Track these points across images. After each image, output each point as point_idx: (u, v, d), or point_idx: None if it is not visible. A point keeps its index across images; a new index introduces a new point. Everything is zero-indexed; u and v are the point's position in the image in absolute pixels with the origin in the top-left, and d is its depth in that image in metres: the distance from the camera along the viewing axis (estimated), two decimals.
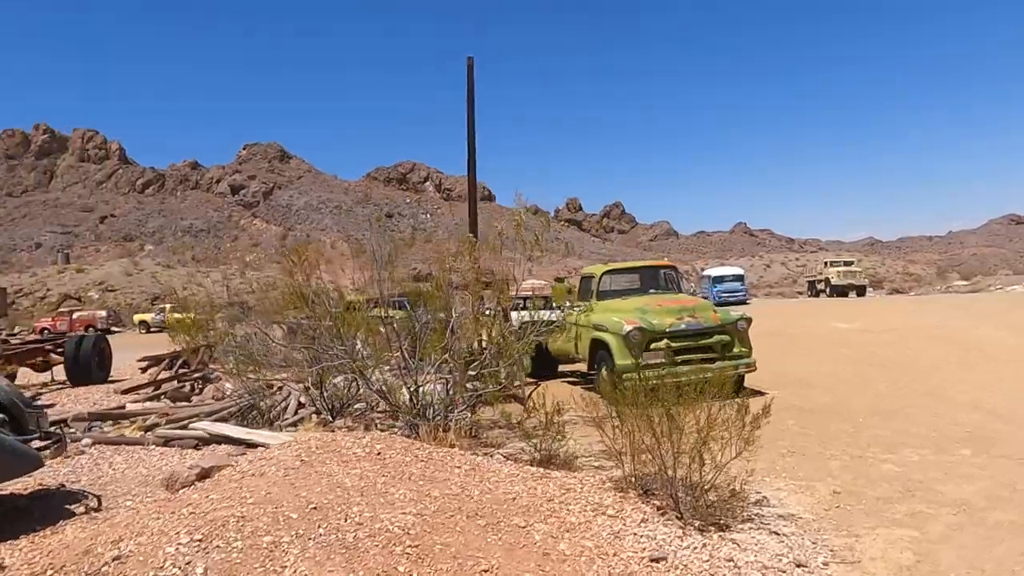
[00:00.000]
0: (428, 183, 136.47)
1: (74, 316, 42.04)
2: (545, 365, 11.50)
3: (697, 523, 3.96)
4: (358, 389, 7.76)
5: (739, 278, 40.15)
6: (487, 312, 10.55)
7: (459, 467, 4.22)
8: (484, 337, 7.47)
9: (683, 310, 8.66)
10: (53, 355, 12.13)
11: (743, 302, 38.45)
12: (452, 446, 5.83)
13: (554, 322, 10.79)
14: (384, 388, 6.54)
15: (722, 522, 4.03)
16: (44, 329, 40.52)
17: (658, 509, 4.14)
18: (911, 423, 6.60)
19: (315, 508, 2.89)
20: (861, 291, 38.86)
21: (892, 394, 8.26)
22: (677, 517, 4.03)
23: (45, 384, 12.34)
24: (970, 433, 6.06)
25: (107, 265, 77.24)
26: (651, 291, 9.99)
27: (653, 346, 8.39)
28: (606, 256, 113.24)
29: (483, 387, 7.66)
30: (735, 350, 8.66)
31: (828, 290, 40.18)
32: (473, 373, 6.87)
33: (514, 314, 15.16)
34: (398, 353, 7.37)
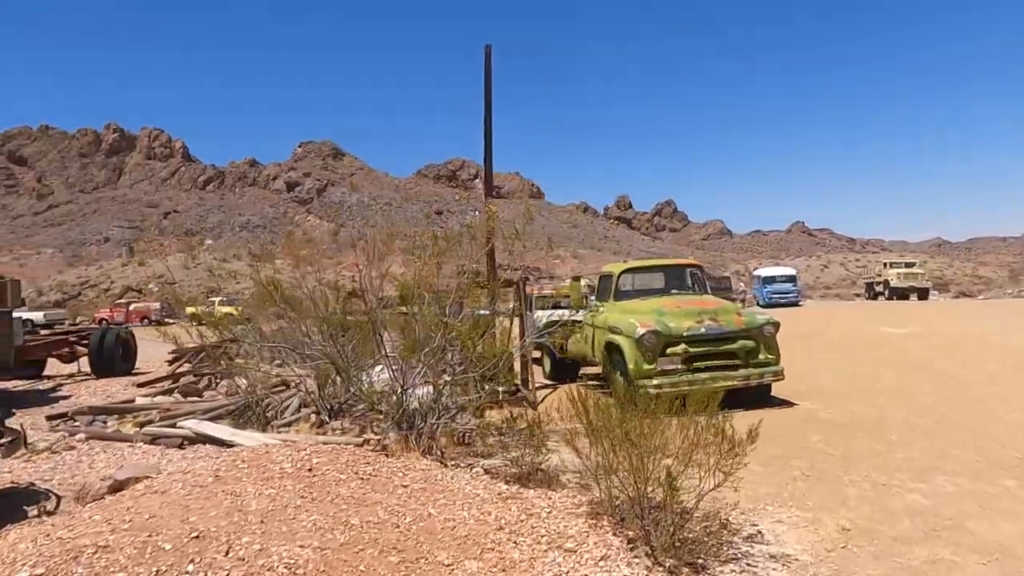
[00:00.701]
0: (477, 180, 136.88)
1: (130, 307, 43.65)
2: (566, 368, 10.99)
3: (669, 562, 3.42)
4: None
5: (791, 279, 38.55)
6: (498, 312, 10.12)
7: (407, 486, 3.79)
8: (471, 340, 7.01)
9: (703, 312, 8.02)
10: (78, 347, 12.28)
11: (795, 304, 36.97)
12: (428, 455, 5.42)
13: (567, 322, 10.30)
14: (363, 390, 6.16)
15: (699, 561, 3.48)
16: (103, 319, 42.24)
17: (629, 542, 3.62)
18: (951, 443, 5.84)
19: (197, 537, 2.52)
20: (923, 294, 36.74)
21: (935, 409, 7.44)
22: (647, 553, 3.50)
23: (71, 375, 12.53)
24: (1020, 459, 5.28)
25: (167, 259, 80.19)
26: (673, 291, 9.35)
27: (669, 351, 7.79)
28: (656, 255, 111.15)
29: (477, 393, 7.23)
30: (760, 357, 7.98)
31: (887, 292, 38.14)
32: (450, 378, 6.40)
33: (540, 313, 14.70)
34: (389, 354, 7.02)
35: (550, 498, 4.35)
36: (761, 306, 38.37)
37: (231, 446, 6.27)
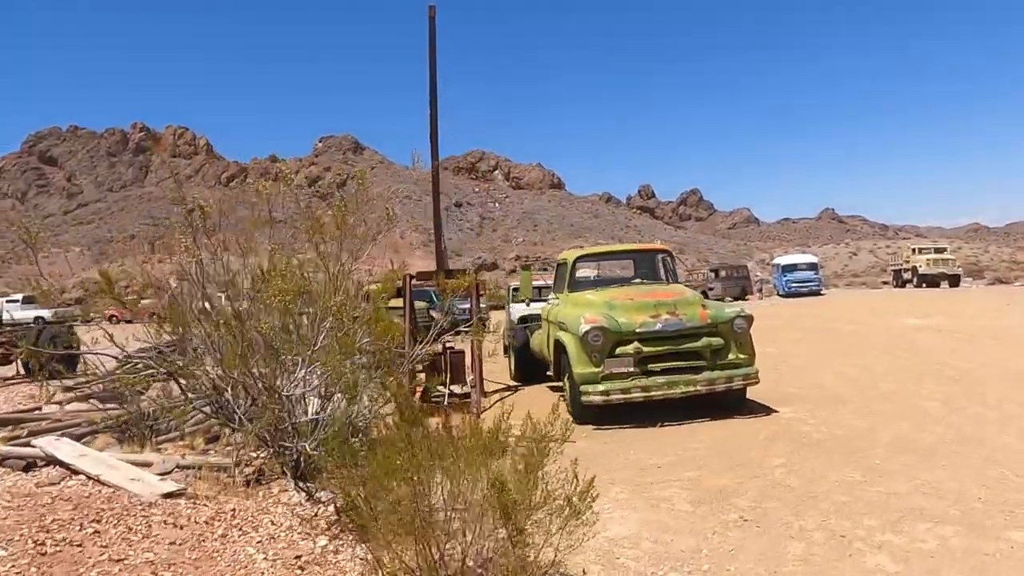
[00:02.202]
0: (497, 172, 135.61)
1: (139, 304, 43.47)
2: (533, 368, 9.83)
3: None
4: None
5: (812, 266, 36.78)
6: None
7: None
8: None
9: (660, 305, 6.79)
10: (14, 348, 11.47)
11: (816, 292, 35.24)
12: (302, 481, 4.36)
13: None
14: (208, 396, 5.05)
15: None
16: (112, 316, 42.25)
17: None
18: (949, 471, 4.57)
19: None
20: (954, 281, 34.64)
21: (940, 419, 6.13)
22: None
23: (6, 379, 11.74)
24: None
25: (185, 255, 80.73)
26: (636, 281, 8.12)
27: (619, 351, 6.60)
28: (677, 245, 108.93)
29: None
30: (730, 357, 6.74)
31: (915, 280, 36.10)
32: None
33: (516, 307, 13.54)
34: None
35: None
36: (781, 295, 36.70)
37: (78, 472, 5.29)
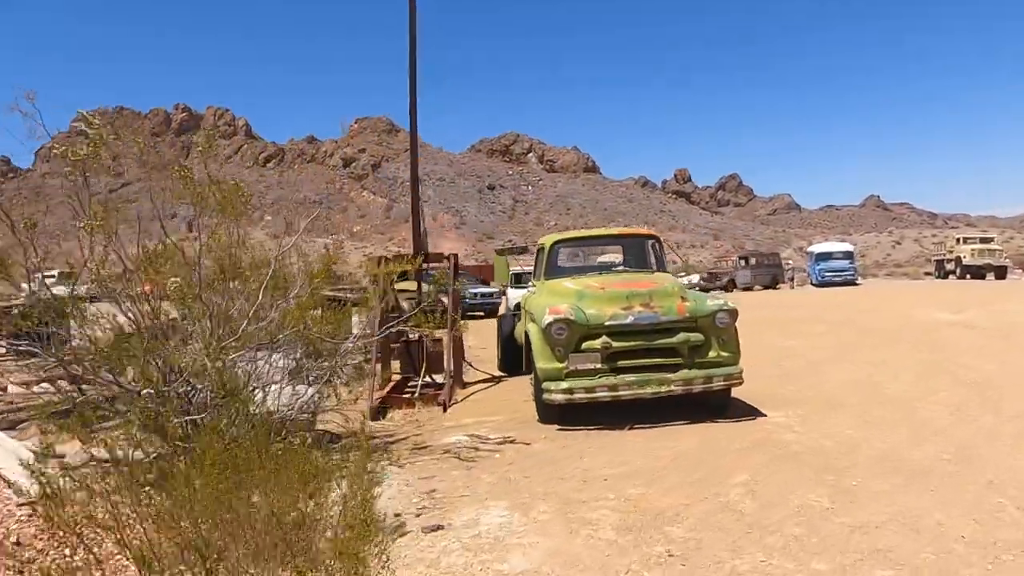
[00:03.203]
0: (531, 154, 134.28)
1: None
2: (519, 358, 9.28)
3: None
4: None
5: (848, 255, 35.34)
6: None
7: None
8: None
9: (634, 296, 6.16)
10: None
11: (851, 283, 33.87)
12: None
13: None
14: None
15: None
16: (146, 291, 43.08)
17: None
18: (939, 499, 3.89)
19: None
20: (1000, 272, 32.77)
21: (944, 432, 5.41)
22: None
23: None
24: None
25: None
26: (618, 268, 7.49)
27: (585, 345, 6.01)
28: (712, 231, 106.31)
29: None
30: (710, 354, 6.09)
31: (959, 271, 34.31)
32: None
33: (515, 293, 12.98)
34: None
35: None
36: (814, 285, 35.38)
37: None
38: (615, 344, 5.97)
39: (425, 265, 9.32)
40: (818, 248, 36.96)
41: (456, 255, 9.14)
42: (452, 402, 7.87)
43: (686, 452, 5.12)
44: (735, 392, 7.39)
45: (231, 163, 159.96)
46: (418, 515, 3.91)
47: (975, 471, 4.40)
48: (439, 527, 3.63)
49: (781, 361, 9.75)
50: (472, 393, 8.44)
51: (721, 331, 6.13)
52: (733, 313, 6.15)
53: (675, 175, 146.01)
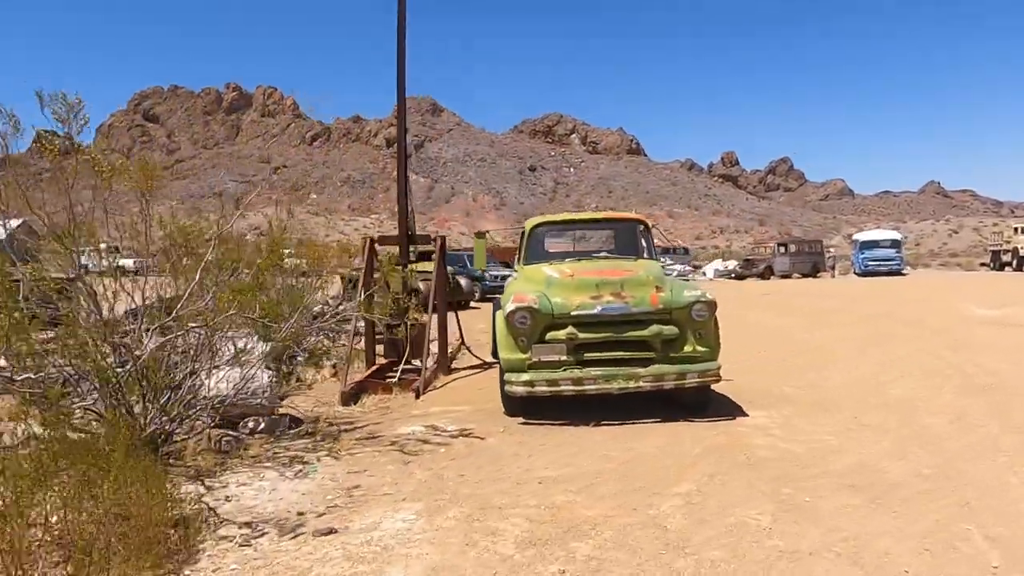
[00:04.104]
0: (574, 135, 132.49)
1: None
2: None
3: None
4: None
5: (895, 244, 33.81)
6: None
7: None
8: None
9: (604, 284, 5.78)
10: None
11: (897, 272, 32.44)
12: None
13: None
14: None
15: None
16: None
17: None
18: (898, 523, 3.45)
19: None
20: None
21: (931, 445, 4.90)
22: None
23: None
24: None
25: (268, 210, 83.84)
26: (603, 255, 7.08)
27: (550, 336, 5.66)
28: (758, 216, 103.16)
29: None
30: (686, 349, 5.68)
31: (1015, 262, 32.45)
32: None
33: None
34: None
35: None
36: (857, 274, 34.00)
37: None
38: (582, 335, 5.61)
39: (413, 247, 9.07)
40: (863, 236, 35.44)
41: (444, 238, 8.85)
42: (431, 388, 7.63)
43: (642, 455, 4.76)
44: (724, 388, 7.00)
45: (279, 141, 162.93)
46: (322, 515, 3.67)
47: (952, 490, 3.93)
48: (332, 531, 3.38)
49: (788, 354, 9.23)
50: (454, 380, 8.19)
51: (698, 324, 5.70)
52: (711, 305, 5.71)
53: (722, 158, 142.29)
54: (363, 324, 8.73)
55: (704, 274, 39.09)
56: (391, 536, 3.33)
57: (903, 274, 32.56)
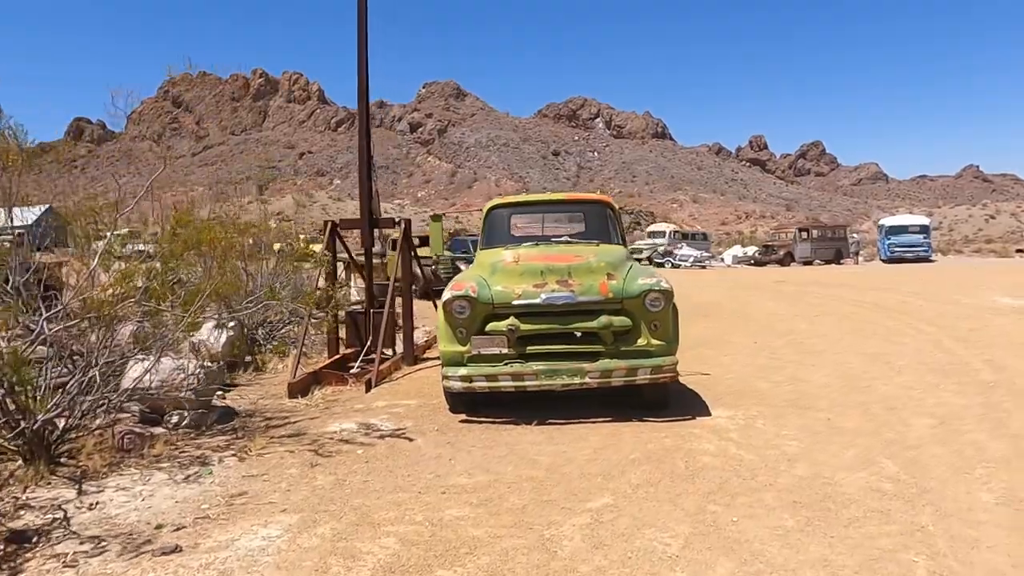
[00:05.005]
0: (598, 119, 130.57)
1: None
2: None
3: None
4: None
5: (924, 229, 32.55)
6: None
7: None
8: None
9: (549, 271, 5.29)
10: None
11: (924, 259, 31.24)
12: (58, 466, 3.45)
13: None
14: None
15: None
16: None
17: None
18: (830, 551, 2.95)
19: None
20: None
21: (902, 456, 4.35)
22: None
23: None
24: None
25: (286, 198, 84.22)
26: (563, 239, 6.57)
27: (490, 327, 5.20)
28: (786, 201, 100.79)
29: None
30: (639, 342, 5.17)
31: None
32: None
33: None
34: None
35: None
36: (883, 261, 32.84)
37: None
38: (524, 326, 5.13)
39: (378, 232, 8.68)
40: (889, 221, 34.16)
41: (409, 221, 8.40)
42: (387, 380, 7.24)
43: (572, 460, 4.29)
44: (696, 383, 6.50)
45: (304, 127, 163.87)
46: (181, 528, 3.29)
47: (910, 510, 3.40)
48: (176, 549, 2.99)
49: (780, 345, 8.63)
50: (418, 371, 7.77)
51: (653, 315, 5.18)
52: (667, 294, 5.18)
53: (750, 142, 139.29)
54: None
55: (722, 260, 38.12)
56: (239, 558, 2.93)
57: (931, 261, 31.34)
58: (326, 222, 8.24)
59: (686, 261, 32.90)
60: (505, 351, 5.17)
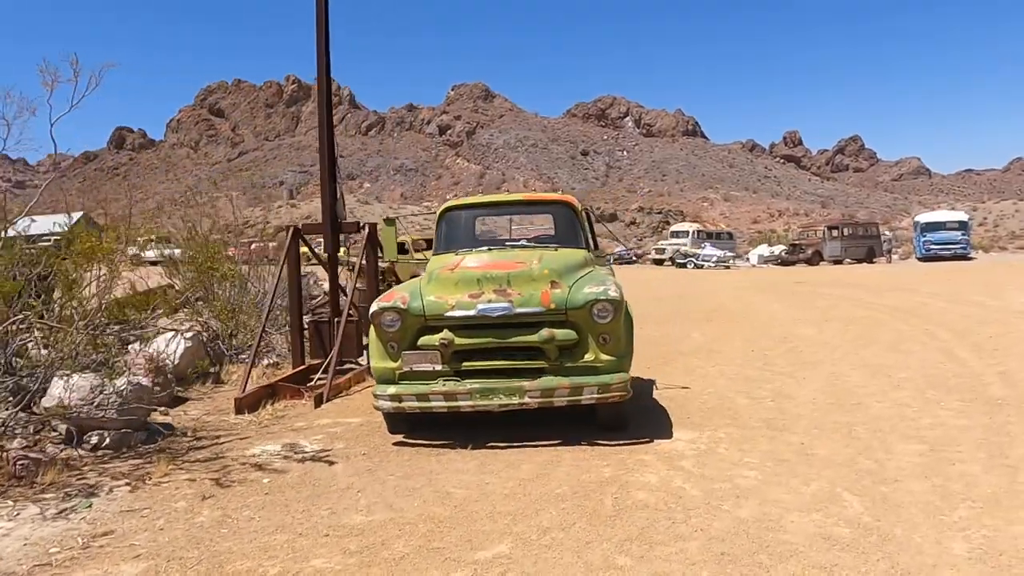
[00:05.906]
0: (628, 118, 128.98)
1: (251, 246, 46.15)
2: None
3: None
4: None
5: (962, 226, 31.11)
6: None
7: None
8: None
9: (487, 280, 4.80)
10: None
11: (963, 256, 29.83)
12: None
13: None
14: None
15: None
16: (231, 254, 45.34)
17: None
18: None
19: None
20: None
21: (879, 490, 3.75)
22: None
23: None
24: None
25: (315, 202, 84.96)
26: (519, 243, 6.07)
27: (423, 341, 4.74)
28: (821, 198, 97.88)
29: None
30: (586, 357, 4.66)
31: None
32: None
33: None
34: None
35: None
36: (918, 259, 31.44)
37: None
38: (459, 341, 4.66)
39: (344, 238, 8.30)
40: (925, 217, 32.73)
41: (374, 225, 8.00)
42: (344, 394, 6.84)
43: (488, 495, 3.81)
44: (671, 398, 5.96)
45: (335, 132, 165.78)
46: None
47: (862, 565, 2.84)
48: None
49: (776, 354, 8.00)
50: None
51: (601, 327, 4.65)
52: (616, 304, 4.64)
53: (784, 138, 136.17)
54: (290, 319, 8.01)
55: (747, 260, 37.00)
56: None
57: (969, 258, 29.89)
58: (287, 227, 7.89)
59: (709, 261, 31.96)
60: (439, 368, 4.70)
